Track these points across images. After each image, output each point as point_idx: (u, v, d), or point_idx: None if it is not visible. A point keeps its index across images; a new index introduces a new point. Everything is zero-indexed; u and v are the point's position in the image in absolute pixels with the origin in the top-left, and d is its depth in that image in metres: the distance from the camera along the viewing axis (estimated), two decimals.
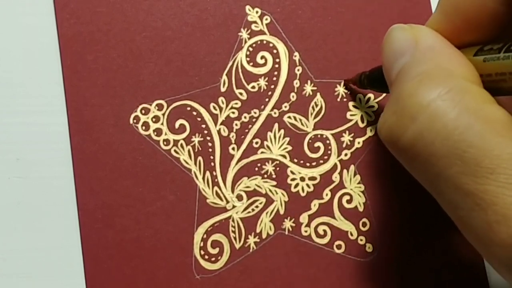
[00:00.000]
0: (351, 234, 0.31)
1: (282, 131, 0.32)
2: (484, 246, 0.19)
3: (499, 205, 0.18)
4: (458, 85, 0.20)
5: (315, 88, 0.32)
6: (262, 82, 0.32)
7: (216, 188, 0.31)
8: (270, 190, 0.31)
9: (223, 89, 0.32)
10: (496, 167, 0.19)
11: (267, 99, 0.32)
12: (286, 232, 0.31)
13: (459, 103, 0.20)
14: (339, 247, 0.31)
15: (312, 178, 0.32)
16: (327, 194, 0.32)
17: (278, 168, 0.31)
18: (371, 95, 0.32)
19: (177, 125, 0.31)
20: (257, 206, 0.31)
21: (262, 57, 0.32)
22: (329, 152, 0.32)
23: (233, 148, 0.31)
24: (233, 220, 0.31)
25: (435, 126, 0.20)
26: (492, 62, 0.21)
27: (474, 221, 0.19)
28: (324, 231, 0.31)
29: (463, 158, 0.19)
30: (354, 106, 0.32)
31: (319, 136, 0.32)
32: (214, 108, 0.31)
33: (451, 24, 0.23)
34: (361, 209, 0.32)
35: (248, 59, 0.32)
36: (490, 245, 0.19)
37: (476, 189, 0.19)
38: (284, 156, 0.32)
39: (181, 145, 0.31)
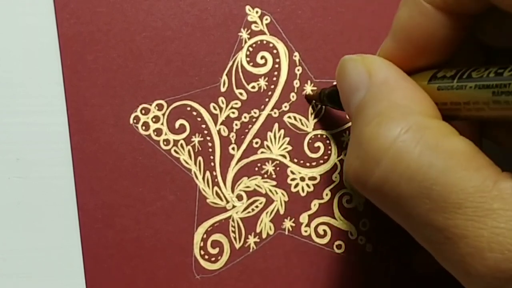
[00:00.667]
0: (351, 234, 0.31)
1: (282, 131, 0.32)
2: (461, 277, 0.20)
3: (470, 237, 0.19)
4: (417, 123, 0.20)
5: (315, 88, 0.32)
6: (262, 82, 0.32)
7: (216, 188, 0.31)
8: (270, 190, 0.31)
9: (223, 89, 0.32)
10: (463, 201, 0.19)
11: (267, 99, 0.32)
12: (286, 232, 0.31)
13: (419, 141, 0.20)
14: (339, 247, 0.31)
15: (312, 178, 0.32)
16: (327, 194, 0.32)
17: (278, 168, 0.31)
18: None
19: (177, 125, 0.31)
20: (257, 206, 0.31)
21: (262, 57, 0.32)
22: (329, 152, 0.32)
23: (233, 148, 0.31)
24: (233, 220, 0.31)
25: (398, 168, 0.20)
26: (446, 91, 0.21)
27: (448, 254, 0.20)
28: (324, 231, 0.31)
29: (430, 196, 0.19)
30: None
31: (319, 136, 0.32)
32: (214, 108, 0.31)
33: (403, 51, 0.23)
34: (361, 209, 0.32)
35: (248, 59, 0.32)
36: (467, 276, 0.19)
37: (446, 224, 0.19)
38: (284, 156, 0.32)
39: (181, 145, 0.31)
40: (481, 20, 0.23)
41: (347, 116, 0.24)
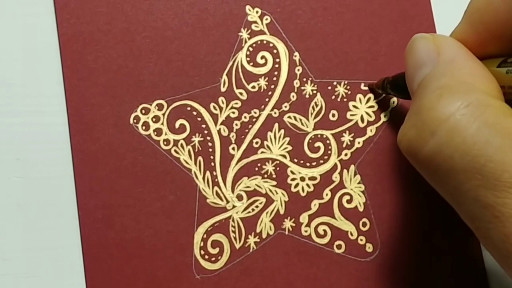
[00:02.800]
0: (351, 234, 0.31)
1: (282, 131, 0.32)
2: (502, 257, 0.19)
3: None
4: (478, 99, 0.20)
5: (315, 88, 0.32)
6: (262, 82, 0.32)
7: (216, 188, 0.31)
8: (270, 190, 0.31)
9: (223, 89, 0.32)
10: None
11: (267, 99, 0.32)
12: (286, 232, 0.31)
13: (478, 117, 0.20)
14: (339, 247, 0.31)
15: (312, 178, 0.32)
16: (327, 194, 0.32)
17: (278, 168, 0.31)
18: (371, 95, 0.32)
19: (177, 125, 0.31)
20: (257, 206, 0.31)
21: (262, 57, 0.32)
22: (329, 152, 0.32)
23: (233, 148, 0.31)
24: (233, 220, 0.31)
25: (454, 141, 0.20)
26: None
27: (492, 232, 0.19)
28: (324, 231, 0.31)
29: (482, 172, 0.19)
30: (354, 106, 0.32)
31: (319, 136, 0.32)
32: (214, 108, 0.31)
33: (476, 34, 0.23)
34: (361, 209, 0.32)
35: (248, 59, 0.32)
36: (508, 256, 0.19)
37: (495, 202, 0.19)
38: (284, 156, 0.32)
39: (181, 145, 0.31)
40: None
41: (410, 93, 0.24)
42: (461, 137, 0.20)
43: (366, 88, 0.32)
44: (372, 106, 0.32)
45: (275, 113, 0.32)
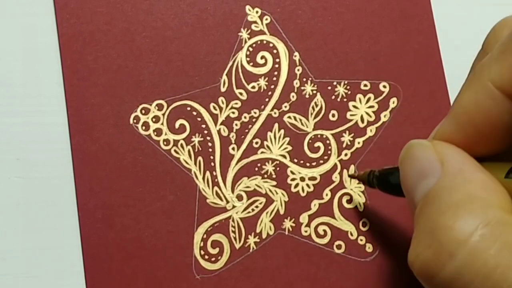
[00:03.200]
0: (351, 234, 0.31)
1: (282, 131, 0.32)
2: None
3: None
4: (496, 217, 0.19)
5: (315, 88, 0.32)
6: (262, 82, 0.32)
7: (216, 188, 0.31)
8: (270, 190, 0.31)
9: (223, 89, 0.32)
10: None
11: (267, 99, 0.32)
12: (286, 232, 0.31)
13: (498, 238, 0.19)
14: (339, 247, 0.31)
15: (312, 178, 0.32)
16: (327, 194, 0.32)
17: (278, 168, 0.31)
18: (371, 95, 0.32)
19: (177, 125, 0.31)
20: (257, 206, 0.31)
21: (262, 57, 0.32)
22: (329, 152, 0.32)
23: (233, 148, 0.31)
24: (233, 220, 0.31)
25: (475, 264, 0.19)
26: None
27: None
28: (324, 231, 0.31)
29: None
30: (354, 106, 0.32)
31: (319, 136, 0.32)
32: (214, 108, 0.31)
33: (465, 136, 0.22)
34: (361, 209, 0.32)
35: (248, 59, 0.32)
36: None
37: None
38: (284, 156, 0.32)
39: (181, 145, 0.31)
40: None
41: (407, 202, 0.23)
42: (482, 260, 0.19)
43: (367, 88, 0.32)
44: (372, 106, 0.32)
45: (275, 113, 0.32)
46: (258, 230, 0.31)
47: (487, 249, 0.19)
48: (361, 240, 0.31)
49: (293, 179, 0.31)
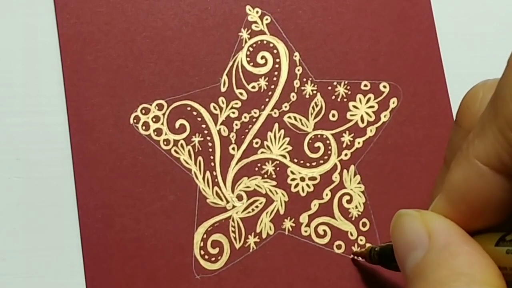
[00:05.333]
0: (351, 234, 0.31)
1: (282, 131, 0.32)
2: None
3: None
4: None
5: (315, 88, 0.32)
6: (262, 82, 0.32)
7: (216, 188, 0.31)
8: (270, 190, 0.31)
9: (223, 89, 0.32)
10: None
11: (267, 99, 0.32)
12: (286, 232, 0.31)
13: None
14: (339, 247, 0.31)
15: (312, 178, 0.32)
16: (327, 194, 0.32)
17: (278, 168, 0.31)
18: (371, 95, 0.32)
19: (177, 125, 0.31)
20: (257, 206, 0.31)
21: (262, 57, 0.32)
22: (329, 152, 0.32)
23: (233, 148, 0.31)
24: (233, 220, 0.31)
25: None
26: None
27: None
28: (324, 231, 0.31)
29: None
30: (354, 106, 0.32)
31: (319, 136, 0.32)
32: (214, 108, 0.31)
33: (458, 212, 0.22)
34: (361, 209, 0.32)
35: (248, 59, 0.32)
36: None
37: None
38: (284, 156, 0.32)
39: (181, 145, 0.31)
40: None
41: (402, 273, 0.23)
42: None
43: (367, 88, 0.32)
44: (372, 106, 0.32)
45: (275, 113, 0.32)
46: (258, 230, 0.31)
47: None
48: (361, 240, 0.31)
49: (293, 179, 0.31)
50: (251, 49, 0.32)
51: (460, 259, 0.21)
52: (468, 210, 0.22)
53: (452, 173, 0.22)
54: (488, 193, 0.21)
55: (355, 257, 0.31)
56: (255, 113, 0.32)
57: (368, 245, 0.31)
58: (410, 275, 0.22)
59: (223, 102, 0.31)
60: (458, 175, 0.21)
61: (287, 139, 0.32)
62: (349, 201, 0.32)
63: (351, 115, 0.32)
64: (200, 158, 0.31)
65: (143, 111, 0.31)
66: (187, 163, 0.31)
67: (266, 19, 0.32)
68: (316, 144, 0.32)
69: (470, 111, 0.23)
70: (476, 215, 0.22)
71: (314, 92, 0.32)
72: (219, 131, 0.31)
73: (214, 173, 0.31)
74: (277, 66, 0.32)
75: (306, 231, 0.31)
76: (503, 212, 0.21)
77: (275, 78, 0.32)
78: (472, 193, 0.21)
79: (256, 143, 0.31)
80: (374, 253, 0.28)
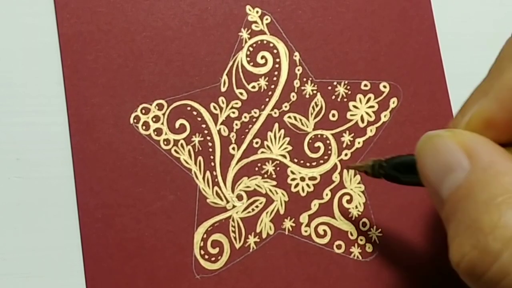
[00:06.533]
0: (351, 234, 0.31)
1: (282, 131, 0.32)
2: None
3: None
4: None
5: (315, 88, 0.32)
6: (263, 82, 0.32)
7: (216, 188, 0.31)
8: (270, 190, 0.31)
9: (223, 89, 0.32)
10: None
11: (267, 99, 0.32)
12: (286, 232, 0.31)
13: None
14: (339, 247, 0.31)
15: (312, 178, 0.32)
16: (327, 194, 0.32)
17: (278, 168, 0.31)
18: (371, 95, 0.32)
19: (177, 125, 0.31)
20: (257, 206, 0.31)
21: (263, 57, 0.32)
22: (329, 152, 0.32)
23: (233, 148, 0.31)
24: (233, 220, 0.31)
25: None
26: None
27: None
28: (324, 231, 0.31)
29: None
30: (354, 106, 0.32)
31: (319, 136, 0.32)
32: (214, 108, 0.31)
33: (508, 114, 0.21)
34: (361, 209, 0.32)
35: (248, 59, 0.32)
36: None
37: None
38: (284, 156, 0.32)
39: (181, 145, 0.31)
40: None
41: (430, 195, 0.22)
42: None
43: (367, 88, 0.32)
44: (372, 106, 0.32)
45: (275, 113, 0.32)
46: (258, 230, 0.31)
47: None
48: (361, 240, 0.31)
49: (293, 179, 0.31)
50: (251, 49, 0.32)
51: (510, 175, 0.20)
52: None
53: (504, 72, 0.21)
54: None
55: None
56: (255, 113, 0.32)
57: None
58: (451, 198, 0.21)
59: (223, 102, 0.31)
60: (510, 74, 0.20)
61: (287, 139, 0.32)
62: (349, 201, 0.32)
63: (351, 115, 0.32)
64: (200, 158, 0.31)
65: (143, 111, 0.31)
66: (187, 163, 0.31)
67: (266, 19, 0.32)
68: (316, 144, 0.32)
69: None
70: None
71: (314, 92, 0.32)
72: (219, 131, 0.31)
73: (214, 173, 0.31)
74: (277, 66, 0.32)
75: (306, 231, 0.31)
76: None
77: (275, 78, 0.32)
78: None
79: (256, 143, 0.31)
80: (379, 167, 0.27)
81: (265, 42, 0.32)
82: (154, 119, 0.31)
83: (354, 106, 0.32)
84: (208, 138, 0.31)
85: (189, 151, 0.31)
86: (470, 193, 0.20)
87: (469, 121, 0.22)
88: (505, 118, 0.21)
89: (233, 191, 0.31)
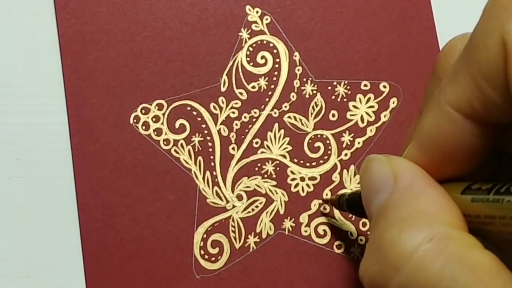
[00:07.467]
0: (351, 234, 0.31)
1: (282, 131, 0.32)
2: None
3: None
4: (441, 232, 0.20)
5: (315, 88, 0.32)
6: (262, 82, 0.32)
7: (216, 188, 0.31)
8: (270, 190, 0.31)
9: (223, 89, 0.32)
10: None
11: (267, 99, 0.32)
12: (286, 232, 0.31)
13: (442, 252, 0.19)
14: (339, 247, 0.31)
15: (312, 178, 0.32)
16: (327, 194, 0.32)
17: (278, 168, 0.31)
18: (371, 95, 0.32)
19: (177, 125, 0.31)
20: (257, 206, 0.31)
21: (262, 57, 0.32)
22: (329, 152, 0.32)
23: (233, 148, 0.31)
24: (233, 220, 0.31)
25: (419, 279, 0.19)
26: (481, 204, 0.20)
27: None
28: (324, 231, 0.31)
29: None
30: (354, 106, 0.32)
31: (319, 136, 0.32)
32: (214, 108, 0.31)
33: (430, 158, 0.22)
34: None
35: (248, 59, 0.32)
36: None
37: None
38: (284, 156, 0.32)
39: (181, 145, 0.31)
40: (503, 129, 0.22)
41: (368, 217, 0.24)
42: (426, 274, 0.19)
43: (367, 88, 0.32)
44: (372, 106, 0.32)
45: (275, 113, 0.32)
46: (258, 230, 0.31)
47: (431, 263, 0.19)
48: (361, 240, 0.31)
49: (293, 179, 0.31)
50: (251, 49, 0.32)
51: (423, 199, 0.21)
52: (439, 156, 0.22)
53: (424, 118, 0.22)
54: (458, 139, 0.21)
55: (324, 205, 0.31)
56: (255, 113, 0.32)
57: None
58: (374, 216, 0.22)
59: (223, 102, 0.31)
60: (430, 120, 0.21)
61: (287, 139, 0.32)
62: None
63: (351, 115, 0.32)
64: (200, 158, 0.31)
65: (143, 111, 0.31)
66: (187, 163, 0.31)
67: (266, 19, 0.32)
68: (316, 144, 0.32)
69: (447, 62, 0.23)
70: (446, 161, 0.22)
71: (314, 92, 0.32)
72: (219, 131, 0.31)
73: (214, 173, 0.31)
74: (277, 66, 0.32)
75: (306, 231, 0.31)
76: (473, 159, 0.21)
77: (275, 78, 0.32)
78: (443, 138, 0.21)
79: (256, 143, 0.31)
80: (343, 200, 0.28)
81: (265, 42, 0.32)
82: (154, 119, 0.31)
83: (354, 106, 0.32)
84: (208, 138, 0.31)
85: (189, 151, 0.31)
86: (385, 211, 0.21)
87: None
88: (428, 163, 0.22)
89: (233, 191, 0.31)
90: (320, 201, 0.31)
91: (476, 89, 0.19)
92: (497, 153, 0.23)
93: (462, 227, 0.20)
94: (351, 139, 0.32)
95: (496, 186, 0.20)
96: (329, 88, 0.32)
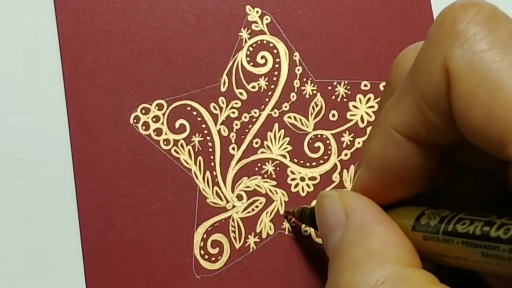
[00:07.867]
0: None
1: (282, 131, 0.32)
2: None
3: None
4: (393, 273, 0.20)
5: (315, 88, 0.32)
6: (262, 82, 0.32)
7: (216, 188, 0.31)
8: (270, 190, 0.31)
9: (223, 89, 0.32)
10: None
11: (267, 99, 0.32)
12: (286, 232, 0.31)
13: None
14: None
15: (312, 178, 0.32)
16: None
17: (278, 168, 0.31)
18: (371, 95, 0.32)
19: (177, 125, 0.31)
20: (257, 206, 0.31)
21: (262, 57, 0.32)
22: (329, 152, 0.32)
23: (233, 148, 0.31)
24: (233, 220, 0.31)
25: None
26: (433, 243, 0.20)
27: None
28: None
29: None
30: (354, 106, 0.32)
31: (319, 136, 0.32)
32: (214, 108, 0.31)
33: (378, 181, 0.22)
34: None
35: (248, 59, 0.32)
36: None
37: None
38: (284, 156, 0.32)
39: (181, 145, 0.31)
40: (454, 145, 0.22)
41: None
42: None
43: (367, 88, 0.32)
44: (372, 106, 0.32)
45: (275, 113, 0.32)
46: (258, 230, 0.31)
47: None
48: None
49: (293, 179, 0.31)
50: (251, 49, 0.32)
51: (374, 239, 0.21)
52: (387, 179, 0.22)
53: (370, 142, 0.22)
54: (404, 161, 0.21)
55: (287, 216, 0.31)
56: (255, 113, 0.32)
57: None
58: (330, 257, 0.22)
59: (223, 102, 0.31)
60: (376, 144, 0.22)
61: (287, 139, 0.32)
62: None
63: (351, 115, 0.32)
64: (200, 158, 0.31)
65: (143, 111, 0.31)
66: (187, 163, 0.31)
67: (266, 19, 0.32)
68: (316, 144, 0.32)
69: (399, 71, 0.23)
70: (396, 184, 0.22)
71: (314, 92, 0.32)
72: (219, 131, 0.31)
73: (214, 173, 0.31)
74: (277, 66, 0.32)
75: (306, 231, 0.31)
76: (422, 179, 0.22)
77: (275, 78, 0.32)
78: (389, 161, 0.21)
79: (256, 143, 0.31)
80: (304, 214, 0.29)
81: (265, 42, 0.32)
82: (154, 119, 0.31)
83: (354, 106, 0.32)
84: (208, 138, 0.31)
85: (189, 151, 0.31)
86: (340, 253, 0.21)
87: (353, 186, 0.23)
88: (378, 186, 0.22)
89: (233, 191, 0.31)
90: (283, 213, 0.31)
91: (419, 114, 0.20)
92: (449, 163, 0.23)
93: (415, 263, 0.21)
94: (351, 139, 0.32)
95: (444, 219, 0.20)
96: (329, 88, 0.32)
